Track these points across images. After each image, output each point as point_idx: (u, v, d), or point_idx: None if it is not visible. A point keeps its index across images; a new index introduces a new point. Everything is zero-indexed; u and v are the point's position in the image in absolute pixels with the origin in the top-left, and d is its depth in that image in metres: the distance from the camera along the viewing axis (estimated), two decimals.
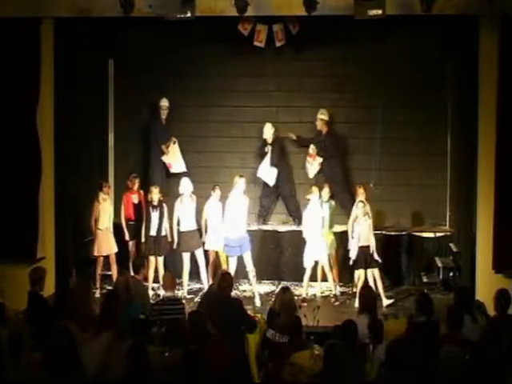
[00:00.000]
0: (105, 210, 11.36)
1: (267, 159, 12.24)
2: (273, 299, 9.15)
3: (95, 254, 11.39)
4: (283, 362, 7.21)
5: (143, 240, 11.39)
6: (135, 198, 11.72)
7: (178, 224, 11.29)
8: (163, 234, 11.31)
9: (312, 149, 12.25)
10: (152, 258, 11.28)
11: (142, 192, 11.76)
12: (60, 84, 10.95)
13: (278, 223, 12.64)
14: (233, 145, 12.84)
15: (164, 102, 12.42)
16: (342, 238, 11.50)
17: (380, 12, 9.66)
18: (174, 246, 11.35)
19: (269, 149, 12.25)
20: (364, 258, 10.75)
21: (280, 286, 10.14)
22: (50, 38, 10.78)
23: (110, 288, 10.95)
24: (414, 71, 12.25)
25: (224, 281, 8.23)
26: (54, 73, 10.87)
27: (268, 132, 12.32)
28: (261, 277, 11.37)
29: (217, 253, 11.39)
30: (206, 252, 11.42)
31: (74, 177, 11.64)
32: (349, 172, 12.63)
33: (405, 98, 12.39)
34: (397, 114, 12.43)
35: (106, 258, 11.45)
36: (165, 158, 12.45)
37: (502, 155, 10.24)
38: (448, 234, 12.10)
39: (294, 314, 7.96)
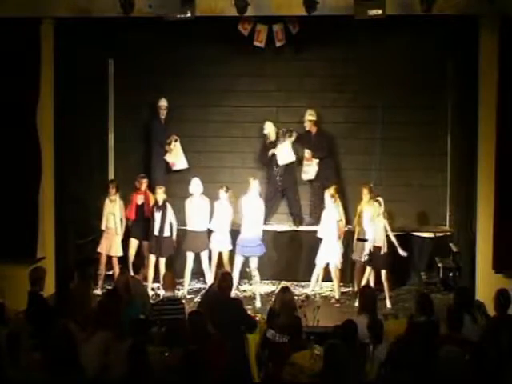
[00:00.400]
0: (108, 211, 11.35)
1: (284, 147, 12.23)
2: (273, 299, 9.16)
3: (98, 250, 11.41)
4: (283, 362, 7.21)
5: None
6: (140, 199, 11.67)
7: (186, 223, 11.28)
8: (165, 234, 11.28)
9: (307, 152, 12.27)
10: (152, 258, 11.27)
11: (148, 193, 11.71)
12: (60, 84, 10.94)
13: (278, 223, 12.63)
14: (233, 145, 12.84)
15: (163, 102, 12.42)
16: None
17: (380, 12, 9.65)
18: (174, 244, 11.35)
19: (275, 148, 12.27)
20: (373, 259, 10.75)
21: (280, 286, 10.13)
22: (50, 38, 10.77)
23: (109, 288, 11.00)
24: (414, 71, 12.25)
25: (224, 281, 8.23)
26: (53, 73, 10.86)
27: (269, 127, 12.32)
28: (261, 277, 11.35)
29: (220, 254, 11.37)
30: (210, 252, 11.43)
31: (74, 177, 11.63)
32: (345, 172, 12.63)
33: (405, 98, 12.39)
34: (397, 113, 12.43)
35: (109, 258, 11.43)
36: (168, 157, 12.45)
37: (502, 155, 10.24)
38: (448, 233, 12.11)
39: (293, 314, 7.97)
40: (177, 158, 12.49)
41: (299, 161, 12.40)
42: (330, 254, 10.97)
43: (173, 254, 11.46)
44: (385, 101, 12.35)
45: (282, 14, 10.97)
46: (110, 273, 11.49)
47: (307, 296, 10.85)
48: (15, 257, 10.53)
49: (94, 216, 11.86)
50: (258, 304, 10.66)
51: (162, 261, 11.28)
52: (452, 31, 11.14)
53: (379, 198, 10.83)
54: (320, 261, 11.04)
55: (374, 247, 10.73)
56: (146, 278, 11.23)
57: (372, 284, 10.60)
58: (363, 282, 10.75)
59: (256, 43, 11.92)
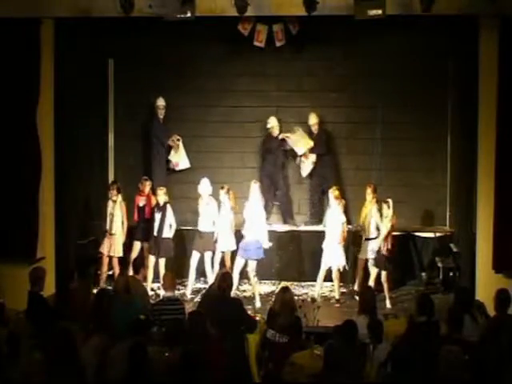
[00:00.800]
0: (109, 211, 11.34)
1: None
2: (273, 299, 9.16)
3: (100, 249, 11.42)
4: (283, 362, 7.21)
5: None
6: (142, 201, 11.66)
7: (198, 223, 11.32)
8: (164, 235, 11.27)
9: None
10: (152, 258, 11.27)
11: (151, 195, 11.68)
12: (60, 84, 10.94)
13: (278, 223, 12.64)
14: (233, 145, 12.84)
15: (160, 102, 12.41)
16: None
17: (380, 12, 9.66)
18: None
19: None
20: (376, 259, 10.76)
21: (280, 286, 10.13)
22: (50, 38, 10.77)
23: (104, 288, 10.99)
24: (414, 71, 12.25)
25: (224, 281, 8.23)
26: (54, 73, 10.86)
27: (273, 122, 12.33)
28: (261, 277, 11.36)
29: (223, 254, 11.37)
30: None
31: (74, 177, 11.63)
32: (346, 172, 12.64)
33: (405, 98, 12.39)
34: (397, 113, 12.43)
35: (111, 258, 11.42)
36: (171, 157, 12.44)
37: (502, 155, 10.24)
38: (448, 233, 12.11)
39: (293, 314, 7.96)
40: (180, 157, 12.49)
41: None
42: (333, 257, 10.94)
43: (172, 255, 11.44)
44: (385, 101, 12.36)
45: (282, 14, 10.98)
46: (110, 273, 11.48)
47: (313, 299, 10.81)
48: (15, 257, 10.53)
49: (94, 216, 11.86)
50: (257, 304, 10.66)
51: (162, 261, 11.27)
52: (452, 31, 11.13)
53: (389, 200, 10.81)
54: (325, 264, 11.01)
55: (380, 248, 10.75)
56: (145, 279, 11.22)
57: (372, 284, 10.60)
58: (370, 283, 10.72)
59: (256, 43, 11.92)
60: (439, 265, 11.68)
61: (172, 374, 6.19)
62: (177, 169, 12.54)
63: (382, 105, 12.40)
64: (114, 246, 11.35)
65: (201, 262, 11.28)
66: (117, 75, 12.89)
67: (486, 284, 10.07)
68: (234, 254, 11.23)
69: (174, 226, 11.33)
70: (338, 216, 10.97)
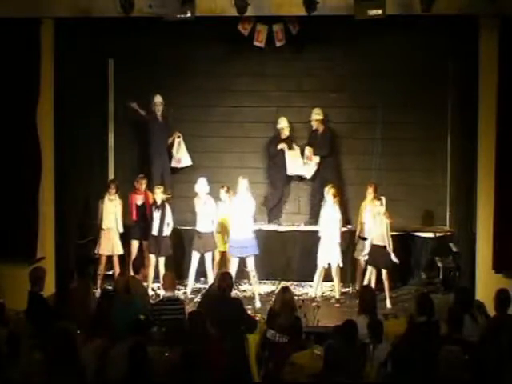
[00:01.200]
0: (109, 210, 11.33)
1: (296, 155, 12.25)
2: (273, 299, 9.16)
3: (96, 252, 11.38)
4: (283, 361, 7.21)
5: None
6: (140, 199, 11.65)
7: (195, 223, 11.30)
8: (164, 234, 11.29)
9: (308, 150, 12.27)
10: (152, 257, 11.27)
11: (148, 193, 11.70)
12: (60, 84, 10.94)
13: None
14: (233, 145, 12.84)
15: (158, 99, 12.35)
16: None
17: (380, 12, 9.66)
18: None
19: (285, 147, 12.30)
20: (375, 257, 10.75)
21: (280, 286, 10.13)
22: (50, 38, 10.77)
23: (106, 288, 11.01)
24: (414, 71, 12.25)
25: (224, 281, 8.23)
26: (54, 73, 10.86)
27: (283, 123, 12.31)
28: (261, 277, 11.36)
29: (223, 253, 11.36)
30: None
31: (74, 177, 11.63)
32: (345, 172, 12.64)
33: (405, 98, 12.39)
34: (397, 113, 12.43)
35: (110, 258, 11.42)
36: (175, 153, 12.44)
37: (502, 155, 10.24)
38: (448, 233, 12.11)
39: (293, 314, 7.97)
40: (182, 154, 12.46)
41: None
42: (331, 254, 10.94)
43: (171, 253, 11.44)
44: (385, 101, 12.36)
45: (282, 14, 10.97)
46: (110, 273, 11.48)
47: (313, 299, 10.83)
48: (15, 257, 10.53)
49: (94, 216, 11.86)
50: (257, 304, 10.66)
51: (162, 261, 11.28)
52: (452, 31, 11.14)
53: (382, 198, 10.84)
54: (322, 262, 11.01)
55: (376, 246, 10.74)
56: (145, 278, 11.22)
57: (373, 284, 10.60)
58: (365, 282, 10.75)
59: (256, 43, 11.92)
60: (439, 265, 11.68)
61: (172, 374, 6.19)
62: (179, 166, 12.51)
63: (381, 105, 12.39)
64: (113, 244, 11.34)
65: (200, 262, 11.27)
66: (117, 75, 12.89)
67: (486, 284, 10.08)
68: None
69: (171, 225, 11.36)
70: (335, 214, 10.98)
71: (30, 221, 10.69)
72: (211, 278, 11.14)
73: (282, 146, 12.32)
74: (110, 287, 11.10)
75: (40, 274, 8.62)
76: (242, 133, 12.83)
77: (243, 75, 12.71)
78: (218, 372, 6.53)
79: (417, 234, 12.14)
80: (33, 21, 10.53)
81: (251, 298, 10.91)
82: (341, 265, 11.01)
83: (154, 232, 11.27)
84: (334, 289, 11.16)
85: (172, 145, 12.46)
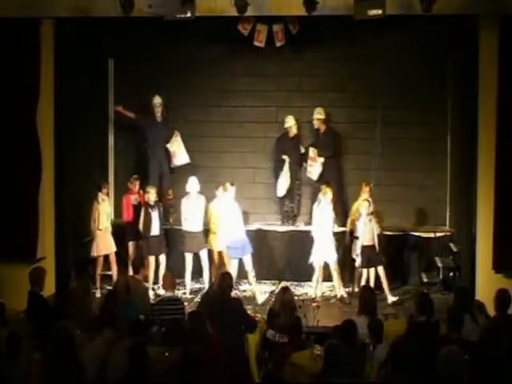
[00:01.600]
0: (103, 211, 11.35)
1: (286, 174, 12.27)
2: (273, 299, 9.16)
3: (94, 254, 11.37)
4: (283, 362, 7.22)
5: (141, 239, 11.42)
6: (135, 200, 11.69)
7: (183, 223, 11.28)
8: (159, 233, 11.35)
9: (312, 151, 12.27)
10: (152, 259, 11.26)
11: (142, 193, 11.73)
12: (60, 84, 10.94)
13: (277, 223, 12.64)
14: (233, 145, 12.84)
15: (157, 100, 12.37)
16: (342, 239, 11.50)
17: (380, 12, 9.65)
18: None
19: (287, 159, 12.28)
20: (368, 258, 10.76)
21: (280, 286, 10.13)
22: (50, 38, 10.77)
23: (109, 288, 11.00)
24: (414, 71, 12.25)
25: (224, 281, 8.22)
26: (53, 73, 10.86)
27: (291, 121, 12.30)
28: (261, 277, 11.36)
29: (220, 253, 11.37)
30: (209, 251, 11.42)
31: (74, 177, 11.63)
32: (345, 172, 12.65)
33: (405, 98, 12.39)
34: (397, 114, 12.43)
35: (106, 257, 11.44)
36: (169, 147, 12.42)
37: (502, 155, 10.24)
38: (448, 233, 12.10)
39: (294, 314, 7.97)
40: (178, 149, 12.43)
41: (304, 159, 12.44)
42: (326, 253, 10.95)
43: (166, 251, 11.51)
44: (385, 101, 12.35)
45: (282, 14, 10.97)
46: (109, 273, 11.47)
47: (314, 300, 10.82)
48: (15, 257, 10.53)
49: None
50: (260, 300, 10.65)
51: (163, 260, 11.28)
52: (452, 31, 11.13)
53: (369, 198, 10.95)
54: (317, 261, 11.01)
55: (366, 247, 10.75)
56: (145, 278, 11.22)
57: (372, 284, 10.60)
58: (362, 282, 10.76)
59: (256, 43, 11.91)
60: (439, 265, 11.68)
61: (172, 374, 6.19)
62: (174, 162, 12.48)
63: (381, 105, 12.39)
64: (109, 244, 11.34)
65: (195, 261, 11.27)
66: (117, 75, 12.89)
67: (486, 284, 10.07)
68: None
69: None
70: (330, 213, 10.99)
71: (30, 221, 10.69)
72: (207, 275, 11.15)
73: (285, 157, 12.31)
74: (109, 287, 11.15)
75: (40, 274, 8.63)
76: (242, 133, 12.83)
77: (243, 75, 12.71)
78: (218, 372, 6.52)
79: (416, 233, 12.14)
80: (33, 21, 10.53)
81: (251, 298, 10.91)
82: (335, 261, 11.00)
83: (155, 232, 11.27)
84: (335, 288, 11.15)
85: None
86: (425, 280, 11.73)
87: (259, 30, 11.84)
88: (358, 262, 10.87)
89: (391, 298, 10.75)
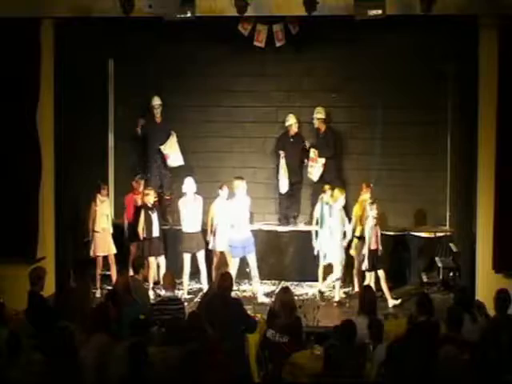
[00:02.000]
0: (102, 212, 11.33)
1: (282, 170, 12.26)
2: (273, 299, 9.16)
3: (92, 254, 11.35)
4: (283, 362, 7.22)
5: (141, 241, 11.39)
6: (139, 200, 11.66)
7: (181, 224, 11.26)
8: (159, 234, 11.35)
9: (313, 152, 12.27)
10: (153, 260, 11.25)
11: (144, 194, 11.70)
12: (60, 84, 10.94)
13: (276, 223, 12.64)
14: (233, 145, 12.84)
15: (156, 101, 12.38)
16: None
17: (380, 12, 9.65)
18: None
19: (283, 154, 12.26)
20: (373, 261, 10.77)
21: (280, 286, 10.13)
22: (50, 38, 10.77)
23: (109, 288, 11.01)
24: (414, 71, 12.26)
25: (224, 281, 8.23)
26: (53, 73, 10.86)
27: (292, 120, 12.31)
28: (261, 277, 11.35)
29: (222, 253, 11.36)
30: (210, 252, 11.41)
31: (73, 177, 11.63)
32: (345, 172, 12.65)
33: (405, 98, 12.39)
34: (397, 113, 12.43)
35: (106, 258, 11.43)
36: (162, 149, 12.41)
37: (502, 155, 10.24)
38: (448, 233, 12.10)
39: (293, 314, 7.96)
40: (171, 151, 12.40)
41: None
42: (329, 254, 10.94)
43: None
44: (385, 101, 12.36)
45: (282, 14, 10.98)
46: (109, 273, 11.47)
47: (321, 293, 10.81)
48: (15, 257, 10.52)
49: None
50: (262, 299, 10.65)
51: (163, 261, 11.28)
52: (452, 31, 11.13)
53: (367, 198, 11.01)
54: (327, 260, 11.00)
55: (373, 250, 10.74)
56: (146, 279, 11.22)
57: (373, 285, 10.60)
58: (367, 282, 10.74)
59: (256, 43, 11.91)
60: (439, 265, 11.68)
61: (172, 374, 6.19)
62: (168, 162, 12.46)
63: (381, 105, 12.40)
64: (109, 245, 11.32)
65: (192, 262, 11.28)
66: (117, 75, 12.89)
67: (486, 284, 10.07)
68: None
69: None
70: (340, 213, 10.99)
71: (30, 221, 10.69)
72: (204, 276, 11.13)
73: (281, 153, 12.31)
74: (109, 287, 11.15)
75: (40, 273, 8.62)
76: (242, 133, 12.84)
77: (243, 75, 12.72)
78: (217, 372, 6.52)
79: (417, 234, 12.14)
80: (33, 21, 10.53)
81: (251, 298, 10.91)
82: (336, 264, 11.02)
83: (156, 233, 11.26)
84: (334, 289, 11.14)
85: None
86: (425, 280, 11.73)
87: (259, 30, 11.84)
88: (365, 265, 10.81)
89: (392, 302, 10.70)
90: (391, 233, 11.95)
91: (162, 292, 9.60)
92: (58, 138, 11.03)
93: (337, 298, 11.03)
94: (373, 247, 10.74)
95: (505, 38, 10.13)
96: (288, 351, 7.42)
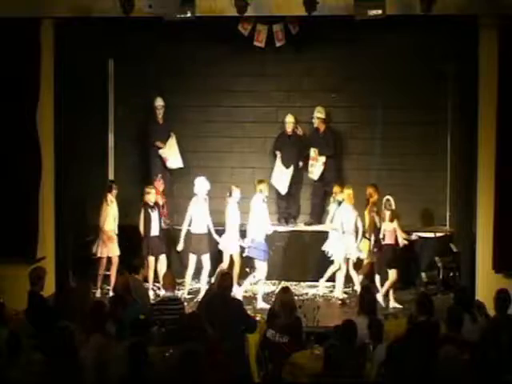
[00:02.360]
0: (111, 213, 11.27)
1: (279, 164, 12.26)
2: (273, 299, 9.16)
3: (99, 254, 11.25)
4: (283, 362, 7.22)
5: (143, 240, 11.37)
6: (159, 200, 11.67)
7: (190, 225, 11.18)
8: (159, 234, 11.33)
9: (313, 151, 12.27)
10: (152, 259, 11.24)
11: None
12: (60, 84, 10.94)
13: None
14: (233, 145, 12.84)
15: (159, 102, 12.40)
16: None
17: (380, 12, 9.66)
18: (179, 248, 11.27)
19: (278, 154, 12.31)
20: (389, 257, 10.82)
21: (280, 286, 10.13)
22: (50, 38, 10.77)
23: (108, 288, 11.06)
24: (414, 71, 12.26)
25: (224, 281, 8.23)
26: (53, 73, 10.86)
27: (290, 120, 12.32)
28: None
29: (231, 256, 11.32)
30: (219, 252, 11.37)
31: (73, 177, 11.62)
32: (345, 172, 12.65)
33: (405, 98, 12.40)
34: (397, 113, 12.43)
35: (108, 259, 11.38)
36: (161, 152, 12.42)
37: (502, 155, 10.24)
38: (448, 233, 12.10)
39: (293, 314, 7.96)
40: (170, 153, 12.41)
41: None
42: (350, 249, 10.99)
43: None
44: (385, 101, 12.36)
45: (282, 14, 10.98)
46: (108, 273, 11.46)
47: (342, 300, 10.89)
48: (15, 257, 10.52)
49: (94, 216, 11.84)
50: (261, 305, 10.64)
51: (164, 260, 11.25)
52: (452, 31, 11.14)
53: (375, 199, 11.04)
54: (344, 257, 11.02)
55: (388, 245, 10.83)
56: (145, 278, 11.21)
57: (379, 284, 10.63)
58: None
59: (256, 43, 11.92)
60: (439, 265, 11.67)
61: (172, 374, 6.19)
62: (167, 165, 12.45)
63: (381, 105, 12.41)
64: (113, 246, 11.29)
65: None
66: (117, 75, 12.89)
67: (486, 284, 10.08)
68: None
69: None
70: (353, 212, 11.02)
71: (30, 221, 10.69)
72: (205, 277, 11.10)
73: (277, 153, 12.35)
74: (108, 287, 11.15)
75: (40, 273, 8.62)
76: (242, 133, 12.84)
77: (243, 75, 12.72)
78: (217, 372, 6.52)
79: (417, 234, 12.12)
80: (33, 21, 10.53)
81: (251, 298, 10.91)
82: (339, 263, 11.02)
83: (155, 232, 11.24)
84: (337, 289, 11.13)
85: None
86: (425, 280, 11.73)
87: (259, 30, 11.84)
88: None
89: (394, 304, 10.69)
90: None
91: (162, 292, 9.60)
92: (58, 138, 11.02)
93: (340, 296, 11.05)
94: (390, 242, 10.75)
95: (505, 38, 10.14)
96: (288, 351, 7.42)
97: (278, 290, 8.94)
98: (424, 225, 12.43)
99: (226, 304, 8.01)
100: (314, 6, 9.85)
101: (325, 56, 12.51)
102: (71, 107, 11.28)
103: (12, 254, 10.57)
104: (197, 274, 11.40)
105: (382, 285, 10.73)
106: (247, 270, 11.14)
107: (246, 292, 11.28)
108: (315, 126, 12.37)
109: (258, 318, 8.60)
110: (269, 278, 11.91)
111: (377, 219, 10.88)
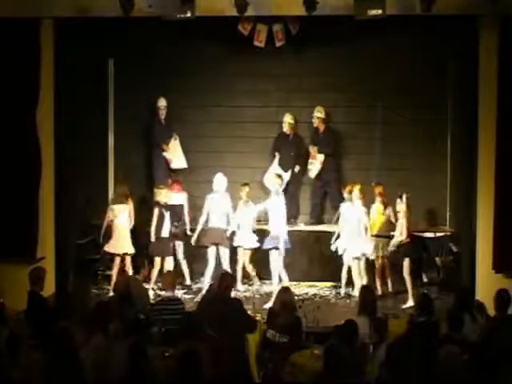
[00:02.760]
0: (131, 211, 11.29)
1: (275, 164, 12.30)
2: (273, 299, 9.15)
3: (112, 251, 11.11)
4: (283, 362, 7.22)
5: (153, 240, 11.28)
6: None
7: (207, 221, 11.20)
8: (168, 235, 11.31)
9: (312, 149, 12.28)
10: (158, 260, 11.19)
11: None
12: (60, 84, 10.94)
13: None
14: (233, 145, 12.84)
15: (162, 102, 12.41)
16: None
17: (380, 12, 9.67)
18: (193, 242, 11.25)
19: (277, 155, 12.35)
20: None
21: (280, 286, 10.12)
22: (50, 38, 10.77)
23: (108, 288, 11.03)
24: (414, 71, 12.26)
25: (224, 281, 8.23)
26: (53, 73, 10.87)
27: (287, 118, 12.34)
28: (262, 277, 11.36)
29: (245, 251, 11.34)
30: (235, 248, 11.39)
31: (73, 177, 11.62)
32: (345, 172, 12.65)
33: (405, 98, 12.40)
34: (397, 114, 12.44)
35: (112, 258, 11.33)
36: (166, 154, 12.44)
37: (502, 155, 10.25)
38: (448, 233, 12.10)
39: (293, 314, 7.97)
40: (174, 155, 12.44)
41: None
42: (364, 246, 10.99)
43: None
44: (385, 101, 12.36)
45: (282, 14, 10.98)
46: (109, 273, 11.45)
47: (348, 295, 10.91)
48: (15, 257, 10.53)
49: (94, 216, 11.86)
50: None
51: (170, 262, 11.21)
52: (452, 31, 11.13)
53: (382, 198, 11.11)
54: (355, 256, 11.01)
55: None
56: (146, 278, 11.21)
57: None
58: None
59: (256, 43, 11.92)
60: (439, 265, 11.67)
61: (172, 374, 6.19)
62: (171, 166, 12.48)
63: (381, 105, 12.41)
64: (129, 243, 11.21)
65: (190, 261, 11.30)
66: (117, 75, 12.88)
67: (486, 284, 10.08)
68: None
69: None
70: (362, 210, 11.03)
71: (30, 221, 10.69)
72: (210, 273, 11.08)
73: (276, 154, 12.39)
74: (108, 287, 11.15)
75: (40, 273, 8.63)
76: (242, 133, 12.83)
77: (243, 75, 12.71)
78: (218, 372, 6.52)
79: (417, 233, 12.11)
80: (33, 21, 10.53)
81: (251, 298, 10.91)
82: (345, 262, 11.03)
83: (165, 234, 11.20)
84: (354, 286, 11.12)
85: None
86: (425, 280, 11.73)
87: (259, 30, 11.84)
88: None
89: (411, 303, 10.67)
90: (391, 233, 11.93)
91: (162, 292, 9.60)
92: (58, 138, 11.02)
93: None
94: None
95: (505, 38, 10.14)
96: (288, 351, 7.42)
97: (277, 290, 8.92)
98: (424, 225, 12.42)
99: (226, 304, 8.01)
100: (313, 6, 9.85)
101: (325, 56, 12.50)
102: (71, 107, 11.28)
103: (12, 254, 10.57)
104: (197, 274, 11.42)
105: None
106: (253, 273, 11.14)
107: (245, 292, 11.30)
108: (315, 125, 12.40)
109: (257, 318, 8.60)
110: (270, 278, 11.94)
111: (392, 216, 10.92)
